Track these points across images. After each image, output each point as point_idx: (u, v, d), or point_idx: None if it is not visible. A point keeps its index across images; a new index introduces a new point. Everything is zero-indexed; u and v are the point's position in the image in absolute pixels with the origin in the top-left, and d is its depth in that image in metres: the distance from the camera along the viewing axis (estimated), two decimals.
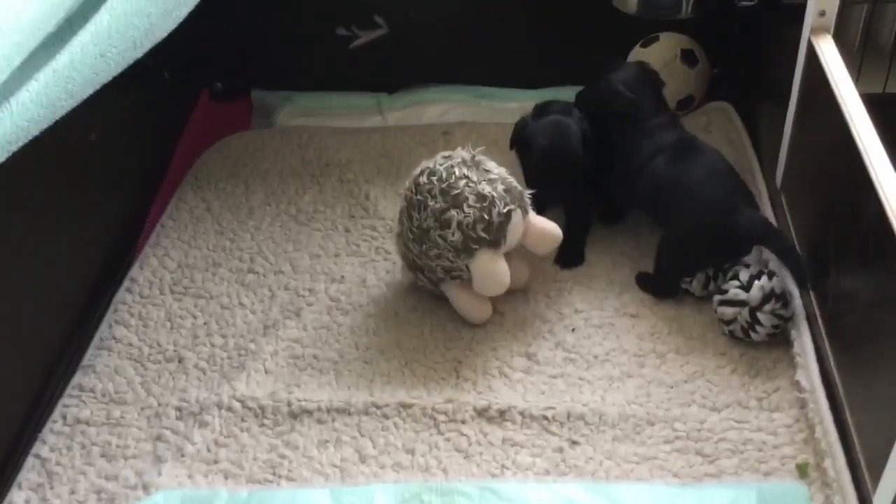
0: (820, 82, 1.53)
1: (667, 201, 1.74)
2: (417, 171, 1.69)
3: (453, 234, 1.62)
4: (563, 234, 1.76)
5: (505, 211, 1.63)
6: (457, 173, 1.64)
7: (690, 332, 1.67)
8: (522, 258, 1.77)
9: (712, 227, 1.67)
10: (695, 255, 1.70)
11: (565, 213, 1.86)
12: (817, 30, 1.60)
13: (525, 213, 1.68)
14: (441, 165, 1.66)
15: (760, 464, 1.43)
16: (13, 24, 0.99)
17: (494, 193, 1.63)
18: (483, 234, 1.62)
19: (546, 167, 1.80)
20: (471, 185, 1.63)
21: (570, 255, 1.84)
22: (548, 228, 1.72)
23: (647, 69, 1.91)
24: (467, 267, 1.65)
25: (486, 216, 1.62)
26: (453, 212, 1.61)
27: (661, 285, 1.75)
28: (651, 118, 1.82)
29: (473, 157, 1.68)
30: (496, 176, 1.66)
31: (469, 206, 1.61)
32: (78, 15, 1.13)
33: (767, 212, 1.87)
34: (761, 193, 1.92)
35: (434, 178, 1.64)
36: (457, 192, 1.62)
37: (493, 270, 1.64)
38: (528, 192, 1.70)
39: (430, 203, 1.63)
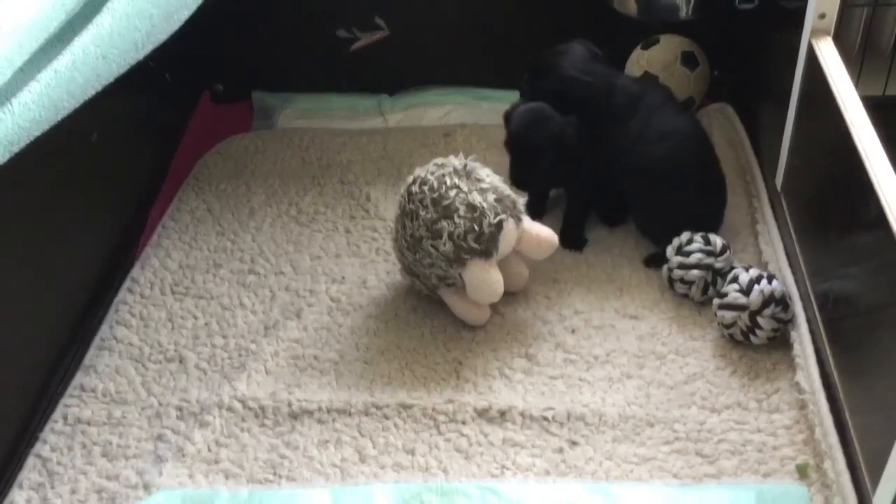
0: (820, 84, 1.53)
1: (651, 181, 1.79)
2: (410, 179, 1.68)
3: (444, 245, 1.62)
4: (564, 214, 1.84)
5: (496, 221, 1.62)
6: (448, 183, 1.63)
7: (690, 334, 1.68)
8: (521, 261, 1.78)
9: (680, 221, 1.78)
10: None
11: (566, 195, 1.89)
12: (817, 32, 1.60)
13: (518, 220, 1.68)
14: (432, 174, 1.65)
15: (760, 465, 1.44)
16: (14, 24, 1.00)
17: (485, 204, 1.62)
18: (474, 245, 1.62)
19: (515, 153, 1.80)
20: (461, 195, 1.62)
21: (569, 236, 1.86)
22: (543, 235, 1.71)
23: (588, 46, 1.90)
24: (460, 276, 1.65)
25: (476, 227, 1.61)
26: (444, 222, 1.61)
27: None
28: (621, 87, 1.83)
29: (465, 165, 1.67)
30: (488, 185, 1.66)
31: (459, 217, 1.61)
32: (79, 16, 1.14)
33: (766, 213, 1.87)
34: (761, 195, 1.93)
35: (425, 188, 1.64)
36: (447, 202, 1.62)
37: (485, 280, 1.64)
38: (522, 200, 1.70)
39: (422, 213, 1.63)
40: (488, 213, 1.62)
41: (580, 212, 1.88)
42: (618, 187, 1.87)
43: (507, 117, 1.86)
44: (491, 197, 1.64)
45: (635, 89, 1.85)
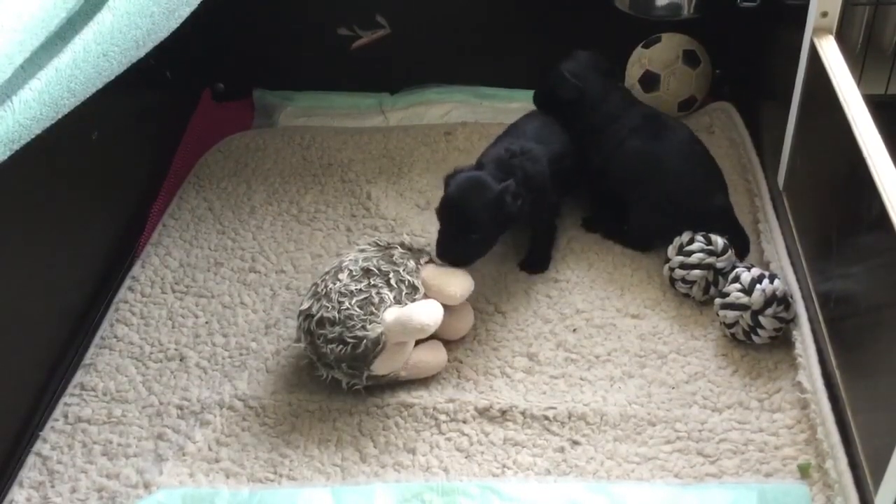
0: (822, 83, 1.53)
1: (642, 178, 1.81)
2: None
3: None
4: (531, 242, 1.84)
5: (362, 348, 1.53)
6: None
7: (692, 333, 1.67)
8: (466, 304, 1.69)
9: (686, 211, 1.77)
10: (664, 228, 1.78)
11: (532, 228, 1.85)
12: (819, 30, 1.60)
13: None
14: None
15: (762, 464, 1.43)
16: (15, 21, 0.99)
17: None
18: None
19: (446, 220, 1.69)
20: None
21: (533, 261, 1.84)
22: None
23: (594, 56, 1.95)
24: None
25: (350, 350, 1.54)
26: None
27: (632, 243, 1.86)
28: (606, 102, 1.88)
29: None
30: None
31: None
32: (80, 14, 1.14)
33: (769, 212, 1.87)
34: (763, 194, 1.92)
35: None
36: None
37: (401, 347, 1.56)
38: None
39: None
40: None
41: (546, 239, 1.86)
42: (613, 192, 1.88)
43: (448, 181, 1.75)
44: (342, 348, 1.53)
45: (619, 107, 1.88)
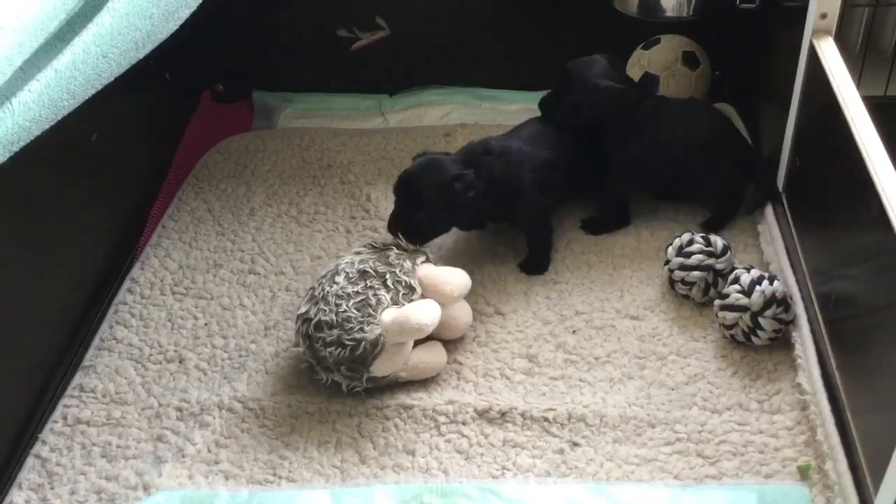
0: (821, 84, 1.53)
1: (707, 153, 1.86)
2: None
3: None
4: (528, 246, 1.84)
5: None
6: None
7: (691, 334, 1.67)
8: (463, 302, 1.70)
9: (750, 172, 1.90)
10: (740, 191, 1.90)
11: (524, 232, 1.86)
12: (819, 32, 1.60)
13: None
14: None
15: (761, 466, 1.43)
16: (14, 23, 0.99)
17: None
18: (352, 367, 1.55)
19: (398, 196, 1.73)
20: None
21: (531, 263, 1.84)
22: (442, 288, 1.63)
23: (610, 57, 1.92)
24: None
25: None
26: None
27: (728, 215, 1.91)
28: (640, 102, 1.88)
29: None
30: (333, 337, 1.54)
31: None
32: (80, 15, 1.14)
33: (768, 213, 1.87)
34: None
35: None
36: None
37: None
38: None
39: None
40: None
41: (539, 243, 1.86)
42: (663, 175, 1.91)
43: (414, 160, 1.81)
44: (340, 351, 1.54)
45: (650, 103, 1.91)
